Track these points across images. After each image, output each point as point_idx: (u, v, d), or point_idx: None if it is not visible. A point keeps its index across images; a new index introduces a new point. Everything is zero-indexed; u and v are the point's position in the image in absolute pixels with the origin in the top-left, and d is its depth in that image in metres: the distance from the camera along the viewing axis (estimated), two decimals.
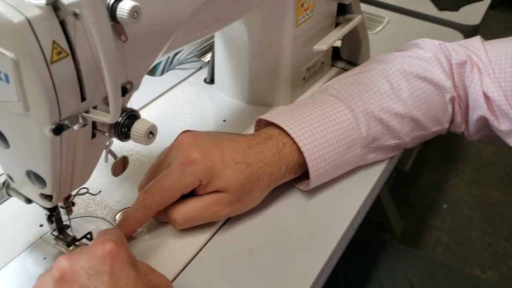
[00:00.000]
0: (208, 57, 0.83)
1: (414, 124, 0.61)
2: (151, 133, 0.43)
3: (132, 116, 0.43)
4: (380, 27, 0.98)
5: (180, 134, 0.54)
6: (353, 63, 0.83)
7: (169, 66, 0.81)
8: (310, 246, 0.53)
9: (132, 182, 0.59)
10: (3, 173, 0.58)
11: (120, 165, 0.47)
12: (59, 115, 0.37)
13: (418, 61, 0.63)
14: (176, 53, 0.82)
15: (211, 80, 0.77)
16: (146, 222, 0.52)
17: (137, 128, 0.42)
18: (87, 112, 0.39)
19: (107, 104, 0.41)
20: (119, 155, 0.46)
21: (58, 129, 0.37)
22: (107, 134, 0.42)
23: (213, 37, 0.76)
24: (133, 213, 0.50)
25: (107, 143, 0.43)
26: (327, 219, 0.56)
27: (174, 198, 0.50)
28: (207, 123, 0.70)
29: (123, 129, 0.42)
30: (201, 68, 0.82)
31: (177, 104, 0.73)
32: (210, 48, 0.84)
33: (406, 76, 0.62)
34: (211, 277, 0.49)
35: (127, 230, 0.51)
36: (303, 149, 0.54)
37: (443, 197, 1.69)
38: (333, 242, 0.53)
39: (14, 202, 0.55)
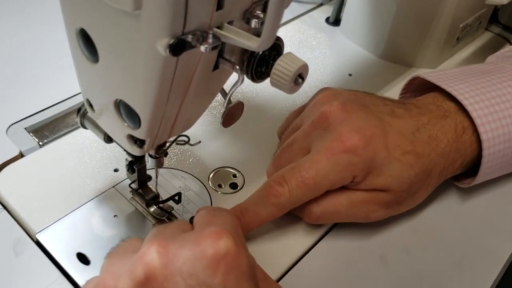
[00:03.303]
0: None
1: None
2: (300, 76, 0.29)
3: (275, 47, 0.29)
4: None
5: (321, 95, 0.39)
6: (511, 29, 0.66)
7: None
8: (463, 264, 0.38)
9: (233, 136, 0.46)
10: (79, 93, 0.47)
11: (234, 113, 0.34)
12: (183, 25, 0.24)
13: None
14: None
15: (335, 21, 0.62)
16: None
17: (284, 66, 0.28)
18: (219, 27, 0.26)
19: (247, 22, 0.27)
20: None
21: (178, 47, 0.24)
22: (237, 67, 0.28)
23: None
24: (257, 209, 0.36)
25: (237, 82, 0.29)
26: (488, 232, 0.41)
27: (316, 195, 0.37)
28: (327, 75, 0.55)
29: (260, 65, 0.29)
30: (321, 4, 0.66)
31: (290, 46, 0.58)
32: None
33: None
34: (329, 283, 0.36)
35: (242, 227, 0.35)
36: (484, 144, 0.38)
37: None
38: (496, 265, 0.39)
39: (85, 134, 0.43)
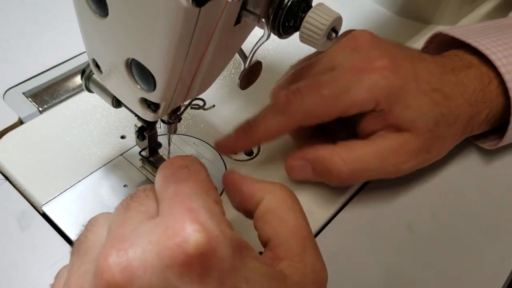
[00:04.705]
0: None
1: None
2: (334, 30, 0.26)
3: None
4: None
5: (354, 30, 0.36)
6: None
7: None
8: (493, 229, 0.37)
9: (247, 99, 0.43)
10: (79, 54, 0.43)
11: (253, 74, 0.31)
12: None
13: None
14: None
15: None
16: (278, 139, 0.36)
17: (316, 19, 0.25)
18: None
19: None
20: None
21: None
22: (263, 20, 0.25)
23: None
24: (266, 118, 0.35)
25: (262, 37, 0.26)
26: None
27: (330, 116, 0.34)
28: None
29: (288, 19, 0.26)
30: None
31: None
32: None
33: None
34: (355, 250, 0.34)
35: (251, 139, 0.35)
36: None
37: None
38: None
39: (89, 98, 0.41)
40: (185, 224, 0.20)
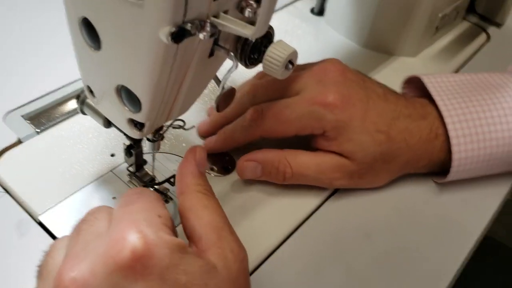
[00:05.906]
0: None
1: None
2: (291, 62, 0.31)
3: (267, 35, 0.31)
4: None
5: (328, 60, 0.41)
6: (488, 19, 0.68)
7: None
8: (441, 239, 0.41)
9: None
10: (73, 82, 0.48)
11: (227, 98, 0.36)
12: (184, 14, 0.25)
13: None
14: None
15: (319, 11, 0.64)
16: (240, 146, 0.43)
17: (275, 53, 0.30)
18: (216, 17, 0.28)
19: (240, 11, 0.29)
20: None
21: (179, 35, 0.25)
22: (232, 53, 0.30)
23: None
24: (235, 131, 0.42)
25: (231, 67, 0.31)
26: (461, 210, 0.44)
27: (284, 134, 0.41)
28: None
29: (253, 52, 0.31)
30: None
31: (277, 36, 0.60)
32: None
33: None
34: (320, 258, 0.39)
35: (225, 145, 0.44)
36: (455, 163, 0.41)
37: None
38: (469, 240, 0.42)
39: (82, 121, 0.45)
40: (125, 234, 0.24)
